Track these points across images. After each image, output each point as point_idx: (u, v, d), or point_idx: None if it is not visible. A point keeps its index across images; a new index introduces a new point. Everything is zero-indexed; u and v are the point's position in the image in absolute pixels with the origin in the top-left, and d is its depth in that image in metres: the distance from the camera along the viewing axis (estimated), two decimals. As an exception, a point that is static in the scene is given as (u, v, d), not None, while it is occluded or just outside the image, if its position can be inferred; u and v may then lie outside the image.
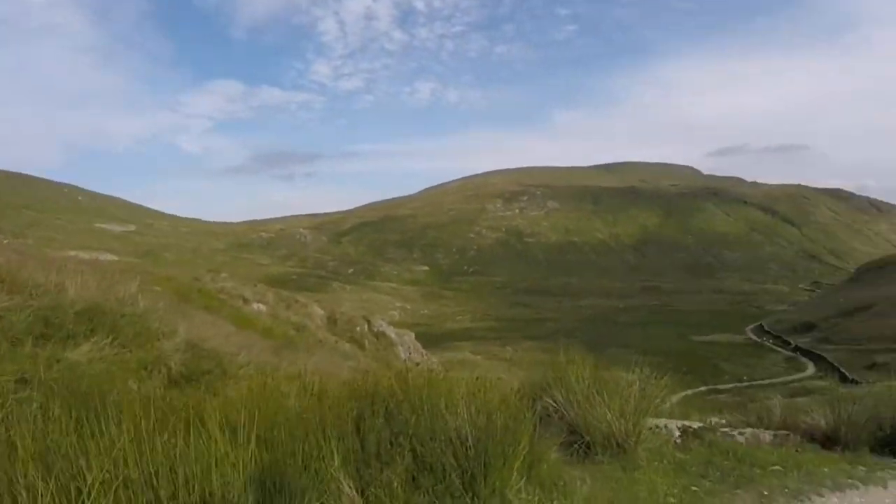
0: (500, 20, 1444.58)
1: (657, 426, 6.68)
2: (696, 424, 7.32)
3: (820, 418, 7.63)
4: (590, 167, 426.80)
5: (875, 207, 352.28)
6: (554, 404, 6.31)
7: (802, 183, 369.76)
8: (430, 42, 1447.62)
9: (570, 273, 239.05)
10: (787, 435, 7.45)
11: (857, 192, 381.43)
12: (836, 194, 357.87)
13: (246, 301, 29.52)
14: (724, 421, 9.47)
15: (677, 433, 6.83)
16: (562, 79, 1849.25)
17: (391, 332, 38.82)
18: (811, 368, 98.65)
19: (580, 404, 6.16)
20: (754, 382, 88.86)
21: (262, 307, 30.30)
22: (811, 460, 6.57)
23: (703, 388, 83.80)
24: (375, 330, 37.92)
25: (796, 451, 6.95)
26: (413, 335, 42.41)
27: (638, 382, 6.56)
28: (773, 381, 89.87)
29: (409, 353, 35.49)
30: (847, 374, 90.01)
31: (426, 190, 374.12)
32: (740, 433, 7.26)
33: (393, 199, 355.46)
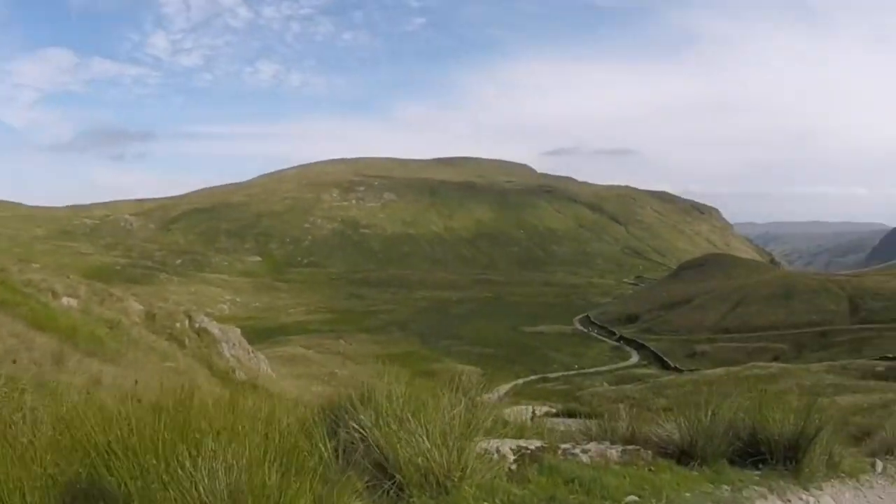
0: (350, 6, 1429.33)
1: (487, 451, 5.28)
2: (533, 444, 5.88)
3: (673, 430, 6.49)
4: (429, 160, 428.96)
5: (697, 210, 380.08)
6: (360, 431, 4.75)
7: (630, 185, 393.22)
8: (276, 22, 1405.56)
9: (406, 265, 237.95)
10: (637, 450, 6.29)
11: (682, 196, 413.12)
12: (662, 196, 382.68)
13: (55, 295, 26.33)
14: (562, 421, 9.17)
15: (512, 458, 5.49)
16: (407, 70, 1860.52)
17: (214, 329, 35.27)
18: (635, 357, 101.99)
19: (392, 431, 4.65)
20: (582, 371, 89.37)
21: (73, 302, 27.11)
22: (669, 483, 5.61)
23: (533, 377, 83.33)
24: (197, 326, 34.36)
25: (650, 470, 5.90)
26: (238, 331, 38.89)
27: (464, 401, 5.07)
28: (600, 369, 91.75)
29: (234, 351, 33.88)
30: (669, 362, 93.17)
31: (262, 176, 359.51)
32: (584, 451, 6.08)
33: (227, 185, 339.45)
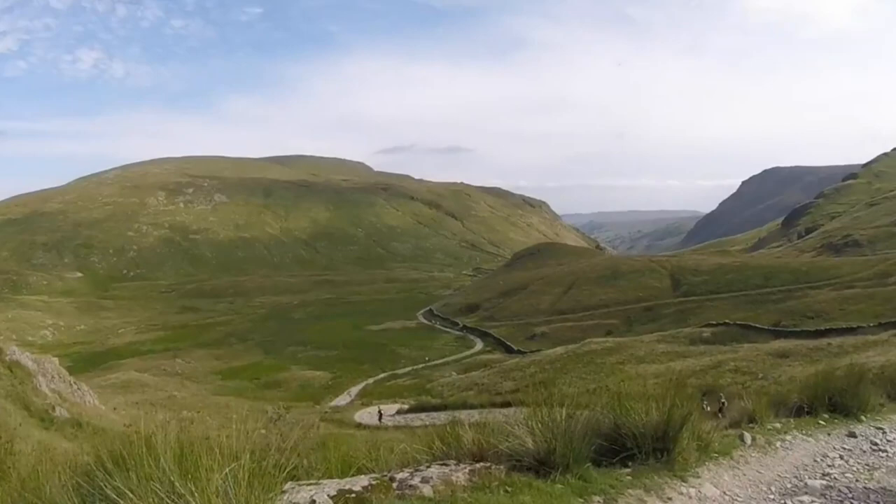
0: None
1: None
2: (360, 483, 4.62)
3: (526, 436, 5.62)
4: (262, 159, 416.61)
5: (528, 203, 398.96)
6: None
7: (465, 181, 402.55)
8: (102, 4, 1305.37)
9: (242, 271, 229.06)
10: (488, 468, 5.29)
11: (513, 190, 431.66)
12: (494, 192, 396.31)
13: None
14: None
15: (330, 507, 4.15)
16: (241, 63, 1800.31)
17: (28, 361, 31.57)
18: (480, 344, 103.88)
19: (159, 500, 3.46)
20: (431, 363, 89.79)
21: None
22: (532, 506, 4.72)
23: (383, 375, 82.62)
24: (8, 359, 30.48)
25: (505, 491, 4.97)
26: (56, 361, 35.09)
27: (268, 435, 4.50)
28: (448, 359, 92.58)
29: (54, 385, 30.67)
30: (512, 346, 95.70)
31: (80, 180, 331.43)
32: (424, 479, 4.85)
33: (41, 190, 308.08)
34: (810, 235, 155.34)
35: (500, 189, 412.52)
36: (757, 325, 71.15)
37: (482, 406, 41.70)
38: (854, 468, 7.11)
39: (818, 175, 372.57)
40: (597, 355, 58.92)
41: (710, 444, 6.67)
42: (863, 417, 9.72)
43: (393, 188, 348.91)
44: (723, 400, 30.73)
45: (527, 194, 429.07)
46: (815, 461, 7.27)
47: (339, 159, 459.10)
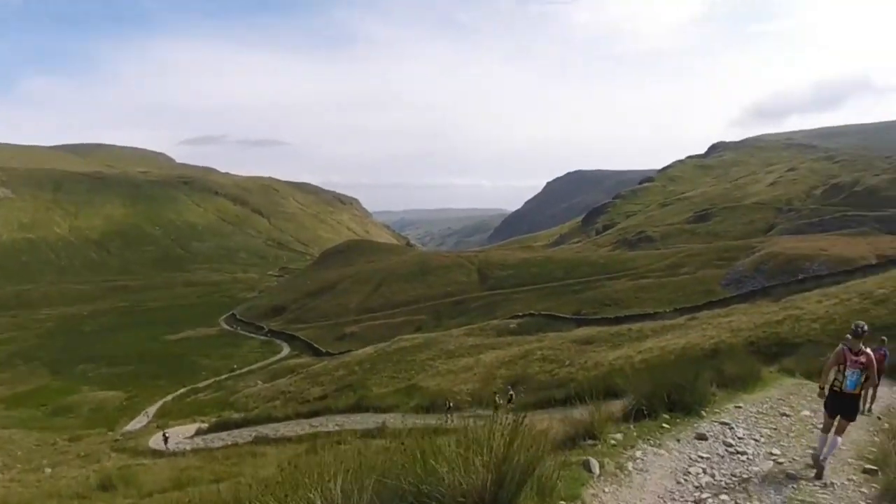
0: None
1: None
2: None
3: None
4: (53, 147, 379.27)
5: (339, 200, 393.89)
6: None
7: (276, 176, 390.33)
8: None
9: (26, 278, 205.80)
10: None
11: (325, 187, 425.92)
12: (305, 188, 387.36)
13: None
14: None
15: None
16: (38, 38, 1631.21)
17: None
18: (287, 349, 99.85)
19: None
20: (235, 372, 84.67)
21: None
22: None
23: (182, 390, 76.20)
24: None
25: None
26: None
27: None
28: (253, 367, 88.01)
29: None
30: (320, 348, 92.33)
31: None
32: None
33: None
34: (608, 232, 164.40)
35: (310, 185, 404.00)
36: (561, 315, 72.98)
37: (288, 418, 39.46)
38: (723, 482, 6.57)
39: (619, 178, 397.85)
40: (407, 352, 57.46)
41: (555, 489, 5.14)
42: (703, 413, 9.60)
43: (196, 182, 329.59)
44: (511, 392, 30.23)
45: (340, 191, 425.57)
46: (679, 483, 6.50)
47: (139, 149, 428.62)
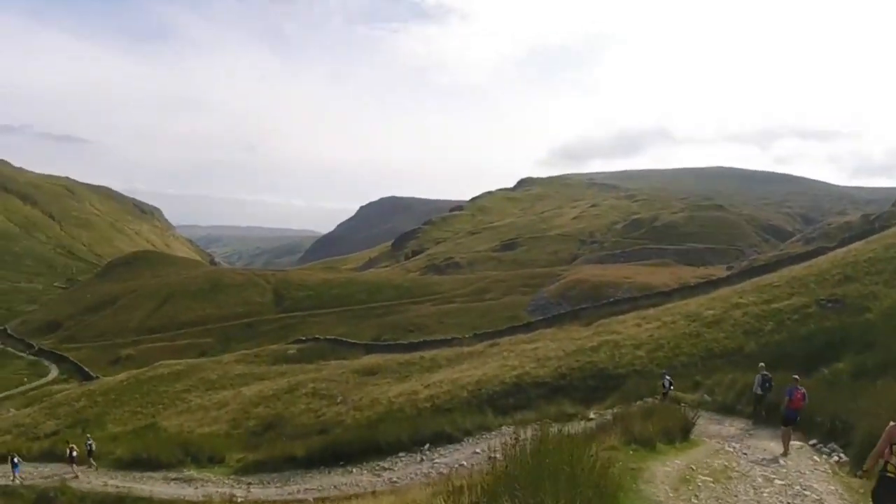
0: None
1: None
2: None
3: None
4: None
5: (139, 209, 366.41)
6: None
7: (75, 177, 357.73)
8: None
9: None
10: None
11: (127, 193, 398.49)
12: (104, 192, 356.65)
13: None
14: None
15: None
16: None
17: None
18: (55, 371, 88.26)
19: None
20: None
21: None
22: None
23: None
24: None
25: None
26: None
27: None
28: (12, 392, 76.20)
29: None
30: (91, 372, 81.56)
31: None
32: None
33: None
34: (417, 257, 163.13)
35: (110, 189, 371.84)
36: (348, 340, 67.79)
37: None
38: None
39: (432, 206, 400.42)
40: (162, 381, 49.89)
41: None
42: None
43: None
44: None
45: (143, 199, 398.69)
46: None
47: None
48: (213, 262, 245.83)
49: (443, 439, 24.24)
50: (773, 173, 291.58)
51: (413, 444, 24.27)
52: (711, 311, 37.86)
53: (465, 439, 24.17)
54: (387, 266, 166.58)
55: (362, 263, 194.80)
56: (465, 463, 21.24)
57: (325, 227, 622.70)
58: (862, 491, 10.44)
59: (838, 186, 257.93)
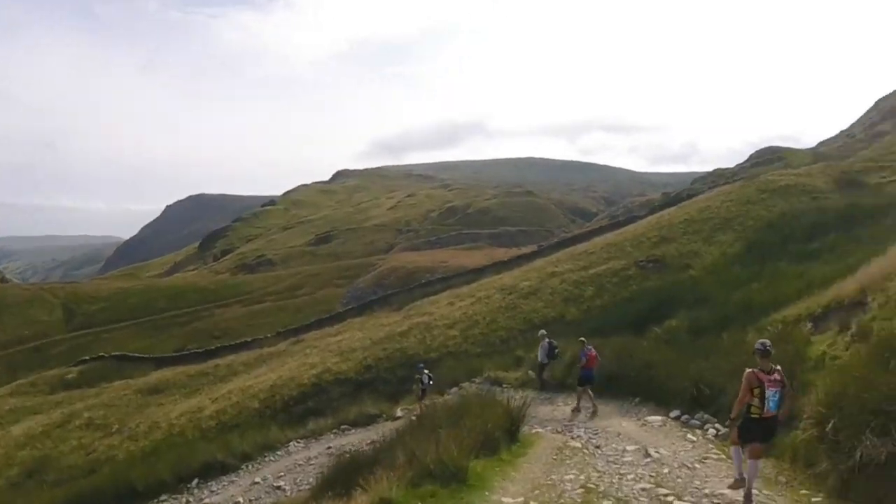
0: None
1: None
2: None
3: None
4: None
5: None
6: None
7: None
8: None
9: None
10: None
11: None
12: None
13: None
14: None
15: None
16: None
17: None
18: None
19: None
20: None
21: None
22: None
23: None
24: None
25: None
26: None
27: None
28: None
29: None
30: None
31: None
32: None
33: None
34: (226, 257, 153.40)
35: None
36: (136, 355, 59.81)
37: None
38: None
39: (243, 203, 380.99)
40: None
41: None
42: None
43: None
44: None
45: None
46: None
47: None
48: (3, 281, 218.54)
49: (215, 470, 19.09)
50: (579, 162, 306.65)
51: (178, 482, 18.94)
52: (527, 283, 36.10)
53: (244, 466, 19.21)
54: (194, 269, 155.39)
55: (167, 268, 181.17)
56: (240, 500, 16.41)
57: (130, 231, 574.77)
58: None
59: (639, 172, 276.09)
